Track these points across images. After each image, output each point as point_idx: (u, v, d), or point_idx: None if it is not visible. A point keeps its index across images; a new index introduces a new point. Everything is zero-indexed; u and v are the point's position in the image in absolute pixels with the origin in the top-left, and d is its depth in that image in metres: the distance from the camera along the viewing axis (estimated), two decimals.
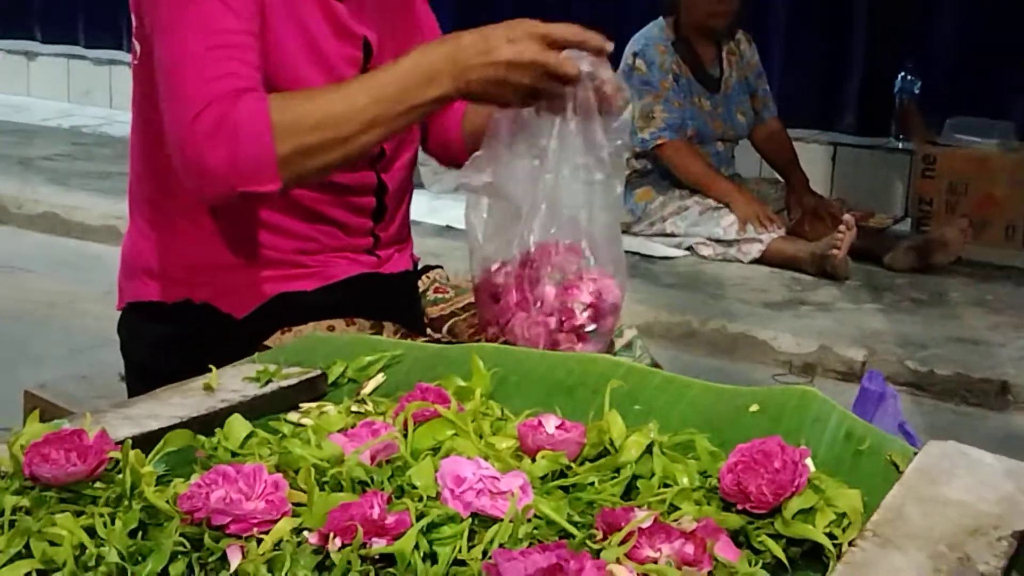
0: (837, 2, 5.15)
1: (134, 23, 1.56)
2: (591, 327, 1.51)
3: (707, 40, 4.51)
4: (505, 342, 1.54)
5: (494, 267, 1.54)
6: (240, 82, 1.44)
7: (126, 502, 1.00)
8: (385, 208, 1.70)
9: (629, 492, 1.07)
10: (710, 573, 0.94)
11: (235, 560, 0.93)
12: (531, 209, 1.50)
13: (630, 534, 0.96)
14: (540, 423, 1.14)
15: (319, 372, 1.34)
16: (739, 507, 1.03)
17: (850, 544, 0.99)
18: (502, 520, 0.97)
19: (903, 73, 4.90)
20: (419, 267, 1.85)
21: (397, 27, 1.68)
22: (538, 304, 1.51)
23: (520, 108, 1.49)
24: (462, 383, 1.25)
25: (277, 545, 0.94)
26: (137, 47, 1.55)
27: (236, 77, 1.44)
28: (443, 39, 1.50)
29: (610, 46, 1.48)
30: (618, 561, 0.92)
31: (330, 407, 1.25)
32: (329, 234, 1.65)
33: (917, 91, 4.88)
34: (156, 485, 1.03)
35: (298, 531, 0.96)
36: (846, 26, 5.14)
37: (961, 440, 1.20)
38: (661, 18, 4.49)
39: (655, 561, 0.94)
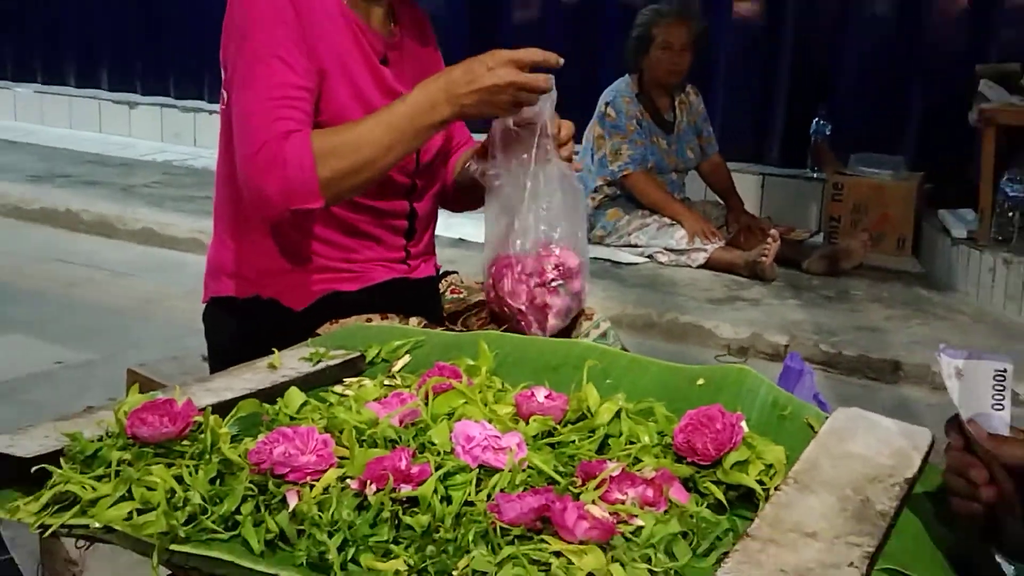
0: (764, 64, 5.15)
1: (223, 76, 1.55)
2: (559, 282, 1.54)
3: (663, 92, 4.50)
4: (500, 304, 1.57)
5: (495, 244, 1.58)
6: (291, 125, 1.44)
7: (207, 456, 1.01)
8: (415, 230, 1.70)
9: (602, 448, 1.07)
10: (666, 511, 0.94)
11: (292, 502, 0.93)
12: (517, 200, 1.54)
13: (603, 481, 0.96)
14: (532, 394, 1.15)
15: (359, 354, 1.34)
16: (688, 460, 1.03)
17: (776, 489, 0.99)
18: (503, 470, 0.98)
19: (817, 119, 4.90)
20: (440, 272, 1.84)
21: None
22: (519, 268, 1.54)
23: (508, 116, 1.51)
24: (471, 362, 1.26)
25: (326, 490, 0.94)
26: (224, 95, 1.55)
27: (289, 121, 1.44)
28: (438, 75, 1.50)
29: (562, 61, 1.49)
30: (593, 502, 0.93)
31: (367, 381, 1.25)
32: (369, 247, 1.65)
33: (828, 133, 4.88)
34: (230, 443, 1.03)
35: (342, 479, 0.96)
36: (772, 82, 5.14)
37: (863, 407, 1.20)
38: (627, 75, 4.49)
39: (623, 502, 0.94)
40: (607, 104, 4.43)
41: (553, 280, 1.53)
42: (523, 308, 1.53)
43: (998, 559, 1.00)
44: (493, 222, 1.58)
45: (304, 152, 1.42)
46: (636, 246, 4.42)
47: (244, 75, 1.47)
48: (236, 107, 1.48)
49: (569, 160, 1.57)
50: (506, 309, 1.56)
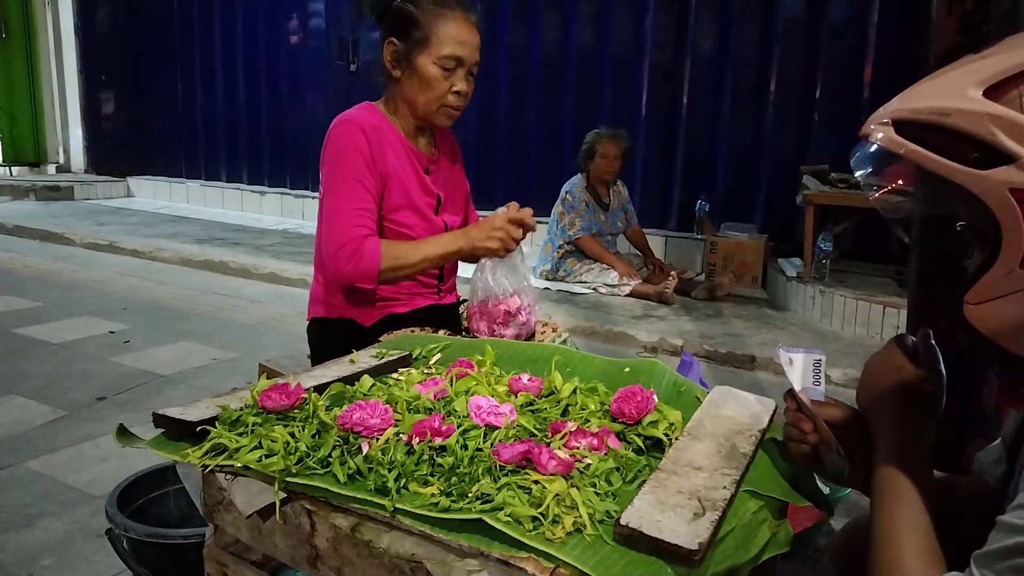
0: (666, 167, 5.19)
1: (320, 178, 1.55)
2: (510, 319, 1.53)
3: (603, 185, 4.51)
4: (473, 330, 1.56)
5: (474, 294, 1.57)
6: (365, 231, 1.45)
7: (310, 420, 1.00)
8: (443, 277, 1.70)
9: (564, 413, 1.07)
10: (605, 454, 0.94)
11: (365, 449, 0.92)
12: (488, 272, 1.54)
13: (565, 434, 0.96)
14: (520, 378, 1.15)
15: (407, 353, 1.34)
16: (620, 420, 1.03)
17: (676, 439, 0.99)
18: (501, 428, 0.97)
19: (700, 200, 4.94)
20: (460, 300, 1.84)
21: (453, 186, 1.68)
22: (484, 308, 1.54)
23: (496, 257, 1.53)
24: (480, 358, 1.26)
25: (386, 441, 0.94)
26: (321, 189, 1.56)
27: (363, 227, 1.45)
28: (466, 228, 1.52)
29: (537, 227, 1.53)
30: (559, 448, 0.92)
31: (413, 371, 1.25)
32: (415, 286, 1.64)
33: (707, 210, 4.91)
34: (325, 411, 1.03)
35: (397, 434, 0.96)
36: (671, 178, 5.19)
37: (730, 386, 1.21)
38: (579, 174, 4.52)
39: (578, 448, 0.94)
40: (566, 192, 4.45)
41: (503, 318, 1.53)
42: (483, 334, 1.54)
43: (819, 482, 1.00)
44: (476, 280, 1.58)
45: (375, 253, 1.44)
46: (585, 282, 4.42)
47: (333, 188, 1.47)
48: (325, 209, 1.47)
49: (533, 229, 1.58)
50: (475, 333, 1.57)
